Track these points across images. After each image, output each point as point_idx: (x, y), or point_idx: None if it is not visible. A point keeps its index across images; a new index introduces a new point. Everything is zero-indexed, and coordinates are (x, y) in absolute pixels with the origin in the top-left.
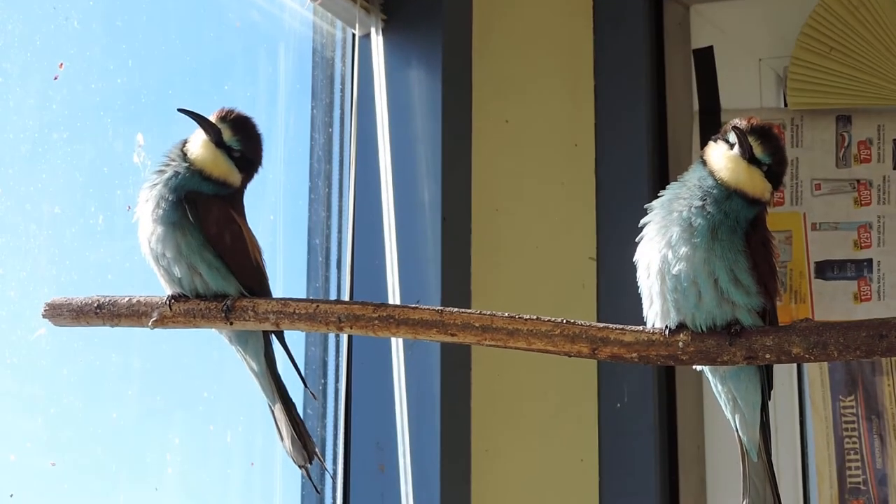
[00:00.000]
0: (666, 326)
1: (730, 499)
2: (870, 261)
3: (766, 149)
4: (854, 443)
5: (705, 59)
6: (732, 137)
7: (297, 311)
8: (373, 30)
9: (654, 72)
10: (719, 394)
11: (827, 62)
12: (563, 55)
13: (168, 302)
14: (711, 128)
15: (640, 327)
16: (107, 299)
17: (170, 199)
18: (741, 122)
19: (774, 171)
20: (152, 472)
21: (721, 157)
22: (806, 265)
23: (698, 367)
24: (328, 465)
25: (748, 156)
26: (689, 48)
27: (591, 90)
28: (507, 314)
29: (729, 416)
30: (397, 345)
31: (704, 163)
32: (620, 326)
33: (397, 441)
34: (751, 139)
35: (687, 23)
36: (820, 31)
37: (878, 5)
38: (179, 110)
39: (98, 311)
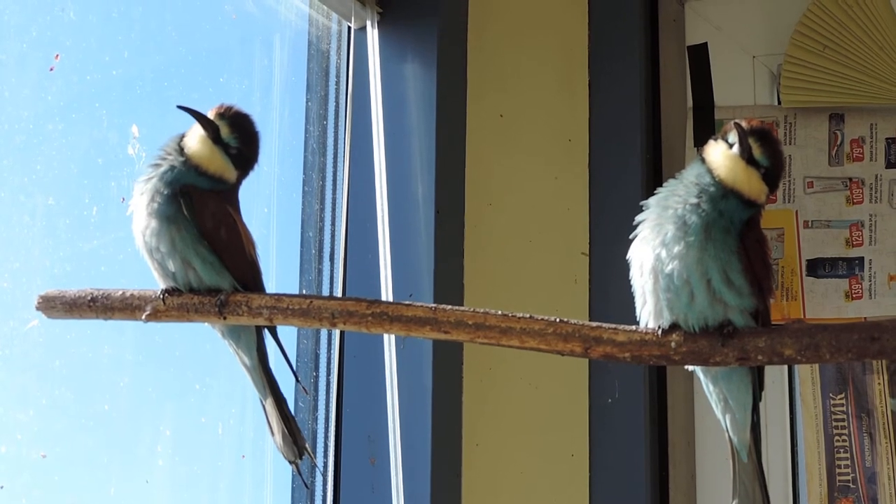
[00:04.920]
0: (659, 326)
1: (719, 494)
2: (861, 259)
3: (766, 151)
4: (844, 440)
5: (699, 56)
6: (733, 137)
7: (290, 307)
8: (368, 23)
9: (649, 68)
10: (710, 394)
11: (820, 60)
12: (558, 50)
13: (162, 296)
14: (705, 124)
15: (633, 327)
16: (100, 292)
17: (165, 193)
18: (743, 123)
19: (772, 175)
20: (143, 464)
21: (720, 155)
22: (798, 263)
23: (690, 368)
24: (319, 456)
25: (747, 156)
26: (684, 44)
27: (586, 86)
28: (500, 312)
29: (719, 416)
30: (389, 338)
31: (703, 161)
32: (613, 326)
33: (388, 434)
34: (751, 140)
35: (682, 19)
36: (814, 30)
37: (871, 4)
38: (178, 107)
39: (91, 304)
